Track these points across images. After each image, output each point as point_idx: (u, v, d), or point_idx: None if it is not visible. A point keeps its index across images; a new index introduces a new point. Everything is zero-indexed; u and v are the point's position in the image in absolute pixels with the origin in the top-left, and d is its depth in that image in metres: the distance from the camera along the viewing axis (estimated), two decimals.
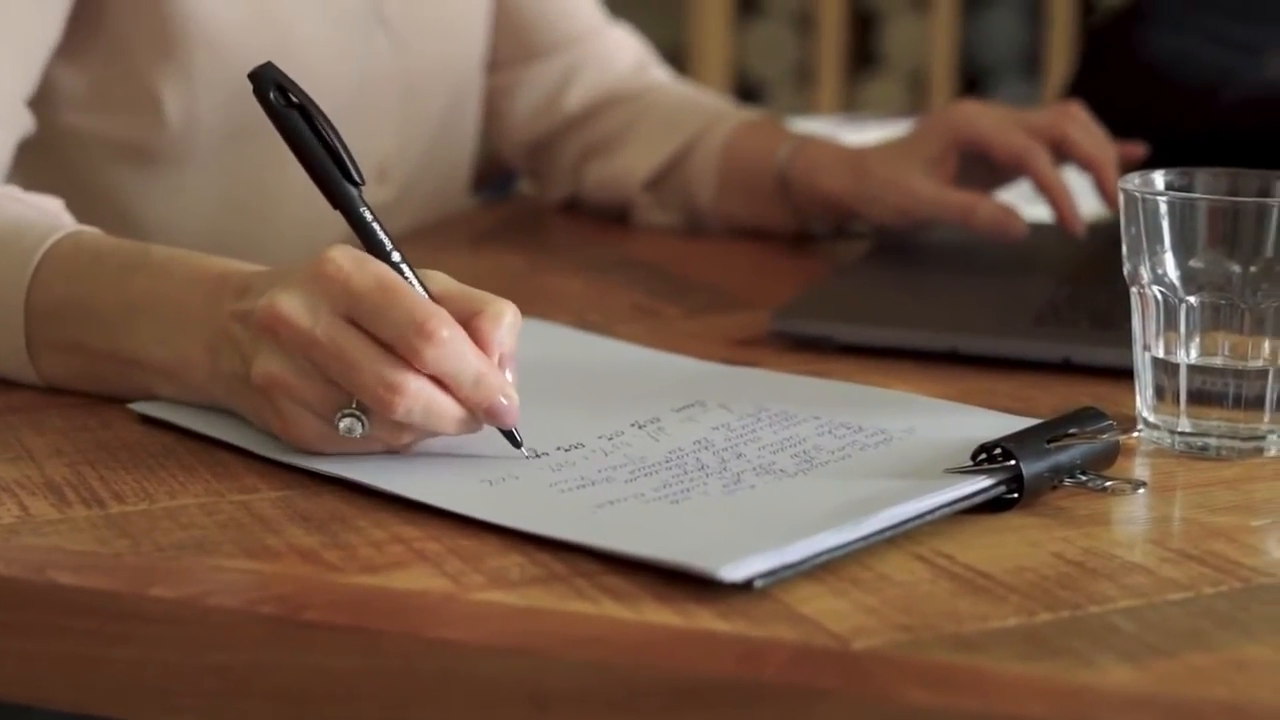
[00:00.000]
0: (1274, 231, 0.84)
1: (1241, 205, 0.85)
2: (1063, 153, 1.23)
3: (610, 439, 0.85)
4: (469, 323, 0.80)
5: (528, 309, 1.10)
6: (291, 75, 1.12)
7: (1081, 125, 1.24)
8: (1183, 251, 0.85)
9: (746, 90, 3.50)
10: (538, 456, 0.82)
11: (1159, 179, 0.87)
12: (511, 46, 1.42)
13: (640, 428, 0.86)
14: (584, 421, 0.87)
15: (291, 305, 0.79)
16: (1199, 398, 0.86)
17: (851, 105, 3.38)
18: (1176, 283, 0.85)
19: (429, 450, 0.83)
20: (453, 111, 1.36)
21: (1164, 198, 0.85)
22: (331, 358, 0.78)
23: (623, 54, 1.44)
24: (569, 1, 1.44)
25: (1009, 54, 3.28)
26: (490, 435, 0.82)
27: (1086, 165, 1.22)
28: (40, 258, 0.92)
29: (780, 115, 1.87)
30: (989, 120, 1.24)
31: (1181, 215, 0.85)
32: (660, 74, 1.46)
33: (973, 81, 3.34)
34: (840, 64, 3.36)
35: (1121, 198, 0.86)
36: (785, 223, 1.33)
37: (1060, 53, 3.14)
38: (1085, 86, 1.74)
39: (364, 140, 1.25)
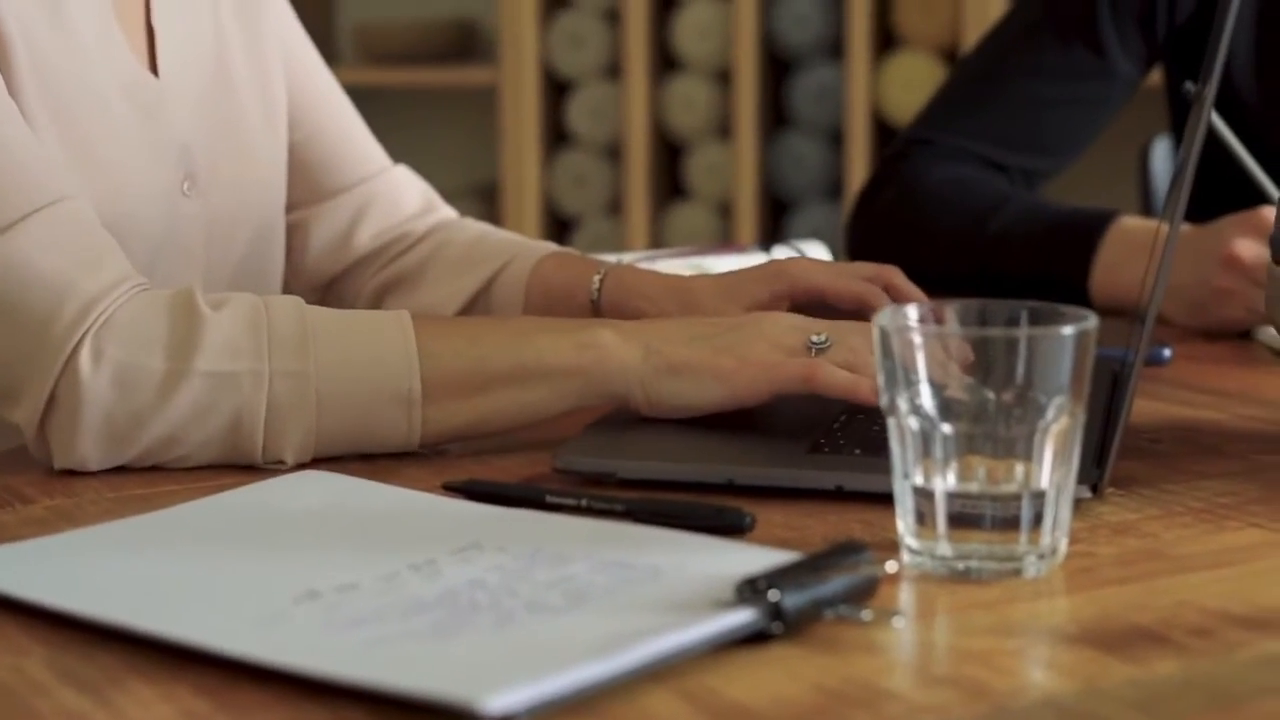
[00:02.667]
0: (1024, 360, 0.88)
1: (991, 336, 0.88)
2: (890, 297, 1.29)
3: (386, 580, 0.86)
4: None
5: None
6: (119, 231, 1.18)
7: (902, 276, 1.30)
8: (938, 382, 0.88)
9: (559, 222, 3.54)
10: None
11: (912, 312, 0.91)
12: (303, 189, 1.43)
13: (416, 569, 0.87)
14: (361, 563, 0.88)
15: None
16: (958, 522, 0.89)
17: (661, 233, 3.43)
18: (933, 412, 0.88)
19: (214, 586, 0.86)
20: (256, 246, 1.37)
21: (917, 330, 0.89)
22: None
23: (409, 193, 1.47)
24: (355, 145, 1.46)
25: (811, 179, 3.34)
26: (269, 581, 0.84)
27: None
28: (415, 334, 1.11)
29: (592, 248, 1.90)
30: (822, 272, 1.30)
31: (935, 347, 0.88)
32: (449, 212, 1.48)
33: (778, 207, 3.41)
34: (649, 194, 3.41)
35: (876, 332, 0.89)
36: None
37: (860, 177, 3.21)
38: (865, 216, 1.79)
39: (172, 278, 1.26)
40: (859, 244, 1.77)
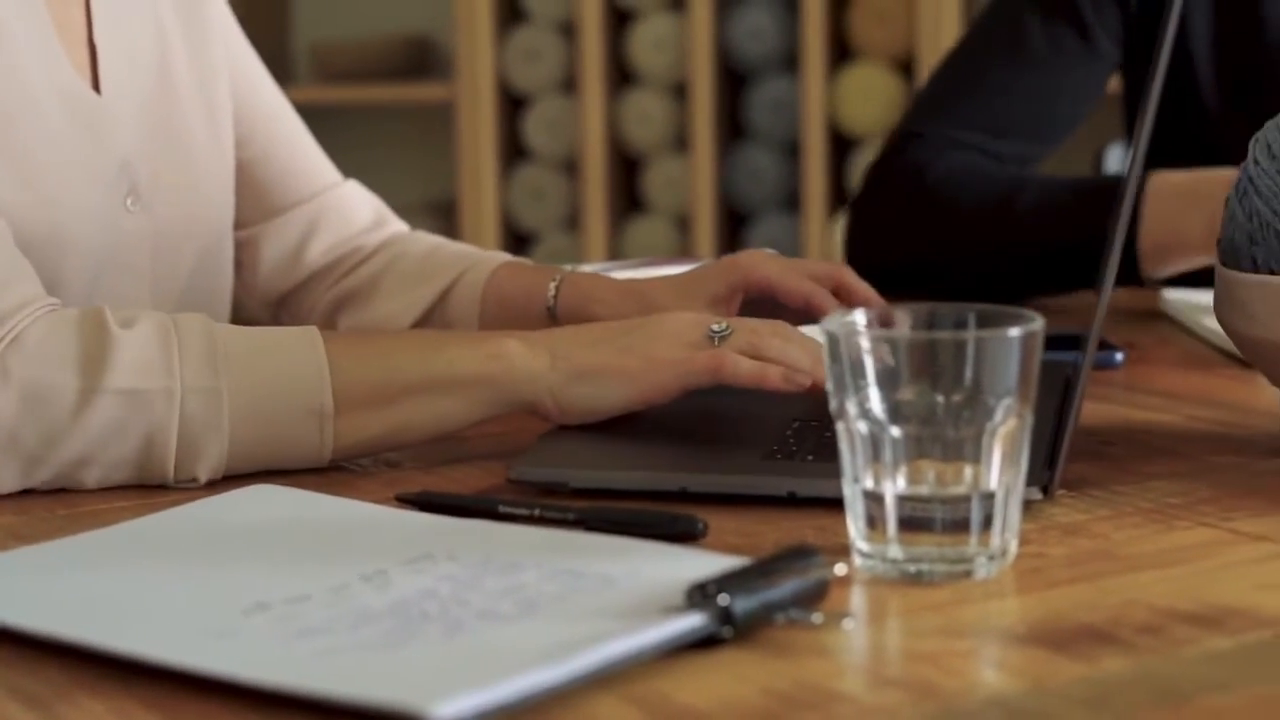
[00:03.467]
0: (972, 362, 0.88)
1: (939, 339, 0.89)
2: (841, 298, 1.30)
3: (337, 591, 0.86)
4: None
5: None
6: (57, 245, 1.16)
7: (854, 275, 1.31)
8: (887, 386, 0.88)
9: (517, 237, 3.54)
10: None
11: (860, 317, 0.91)
12: (253, 206, 1.43)
13: (367, 580, 0.87)
14: (313, 575, 0.88)
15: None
16: (909, 525, 0.89)
17: (620, 247, 3.43)
18: (882, 416, 0.88)
19: (163, 599, 0.86)
20: (204, 261, 1.37)
21: (865, 335, 0.89)
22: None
23: (360, 207, 1.46)
24: (306, 161, 1.46)
25: (768, 192, 3.35)
26: (219, 594, 0.84)
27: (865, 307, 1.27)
28: (325, 348, 1.11)
29: (550, 262, 1.90)
30: (774, 265, 1.30)
31: (883, 351, 0.88)
32: (400, 226, 1.48)
33: (736, 219, 3.41)
34: (607, 208, 3.42)
35: (825, 337, 0.90)
36: None
37: (817, 188, 3.22)
38: (869, 215, 1.77)
39: (120, 295, 1.25)
40: (864, 248, 1.74)
